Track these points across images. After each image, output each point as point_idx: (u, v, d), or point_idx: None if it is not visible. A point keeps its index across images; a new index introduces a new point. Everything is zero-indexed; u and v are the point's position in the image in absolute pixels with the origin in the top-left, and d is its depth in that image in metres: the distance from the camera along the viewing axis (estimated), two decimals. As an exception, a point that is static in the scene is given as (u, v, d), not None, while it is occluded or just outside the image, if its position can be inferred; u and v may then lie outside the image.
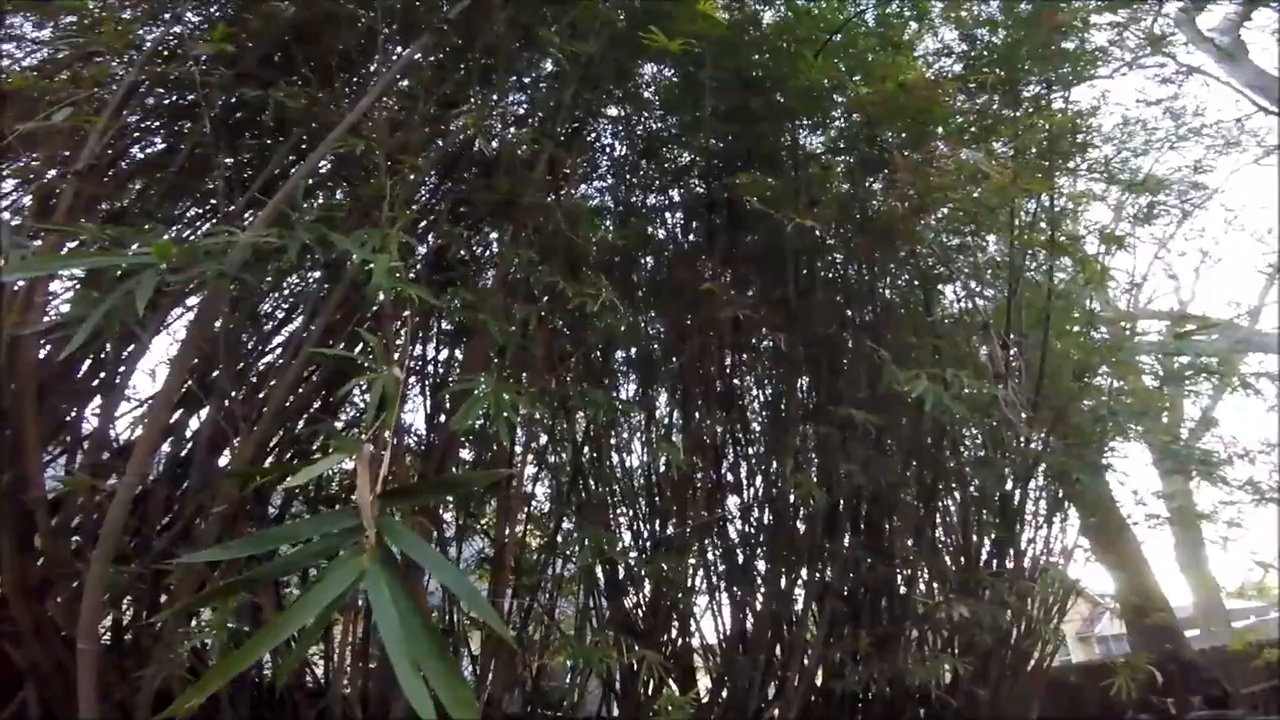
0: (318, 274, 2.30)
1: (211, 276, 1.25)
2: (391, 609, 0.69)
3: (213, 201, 1.93)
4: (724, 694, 2.88)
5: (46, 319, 1.65)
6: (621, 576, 2.79)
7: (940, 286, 3.05)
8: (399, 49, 2.00)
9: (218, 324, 1.62)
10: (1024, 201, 3.21)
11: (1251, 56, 6.65)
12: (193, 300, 2.10)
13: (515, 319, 1.79)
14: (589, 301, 1.74)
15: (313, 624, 0.70)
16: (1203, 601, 7.98)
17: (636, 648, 2.43)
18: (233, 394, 1.79)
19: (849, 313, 2.82)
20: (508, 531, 2.28)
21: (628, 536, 2.95)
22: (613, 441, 2.79)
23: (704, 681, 3.03)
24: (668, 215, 2.97)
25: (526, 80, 2.39)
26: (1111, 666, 3.92)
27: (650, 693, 2.54)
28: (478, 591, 0.86)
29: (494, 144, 1.89)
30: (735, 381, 2.80)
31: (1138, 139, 4.66)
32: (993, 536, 3.03)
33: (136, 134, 2.21)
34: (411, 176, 1.56)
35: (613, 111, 2.89)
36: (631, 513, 2.89)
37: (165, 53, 2.12)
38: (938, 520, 3.00)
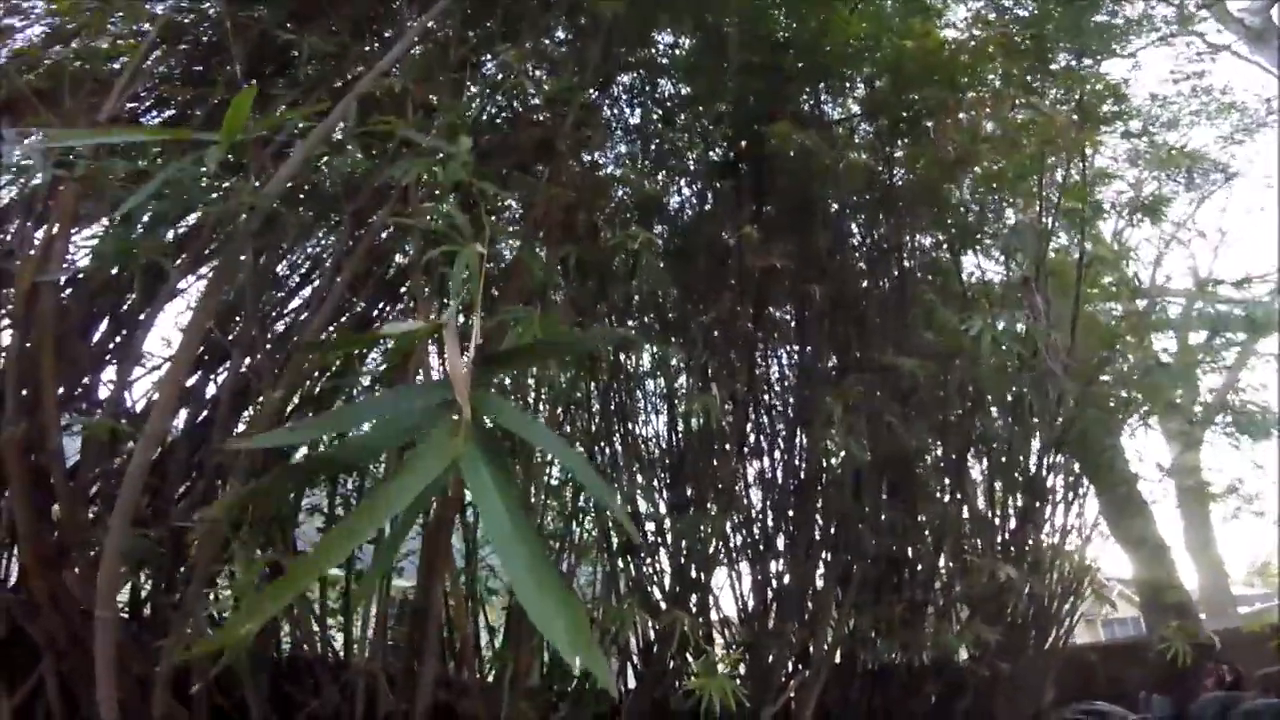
0: (333, 239, 2.24)
1: (245, 208, 1.20)
2: (498, 502, 0.55)
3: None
4: (742, 667, 2.89)
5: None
6: (639, 545, 2.78)
7: (968, 251, 3.01)
8: (419, 16, 1.92)
9: (240, 274, 1.57)
10: (1051, 171, 3.17)
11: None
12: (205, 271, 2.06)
13: (550, 262, 1.74)
14: (628, 241, 1.69)
15: (400, 523, 0.60)
16: (1209, 585, 8.03)
17: (656, 619, 2.43)
18: (255, 350, 1.75)
19: (877, 273, 2.78)
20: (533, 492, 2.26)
21: (644, 505, 2.95)
22: (636, 398, 2.76)
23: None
24: (689, 179, 2.91)
25: (546, 43, 2.31)
26: (1128, 647, 3.93)
27: (673, 662, 2.53)
28: (602, 481, 0.74)
29: (527, 90, 1.82)
30: (761, 339, 2.77)
31: (1165, 115, 4.60)
32: (1017, 508, 3.02)
33: (154, 99, 2.13)
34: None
35: (632, 78, 2.82)
36: (652, 478, 2.88)
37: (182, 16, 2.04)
38: (960, 491, 2.98)
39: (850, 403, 2.20)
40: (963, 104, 2.46)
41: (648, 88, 2.76)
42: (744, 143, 2.66)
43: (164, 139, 1.06)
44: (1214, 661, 3.50)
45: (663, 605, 2.67)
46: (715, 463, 2.74)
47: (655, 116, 2.77)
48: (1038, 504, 3.05)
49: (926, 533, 2.94)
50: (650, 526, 2.91)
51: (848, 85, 2.83)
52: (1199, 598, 8.02)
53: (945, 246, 2.87)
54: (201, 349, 1.87)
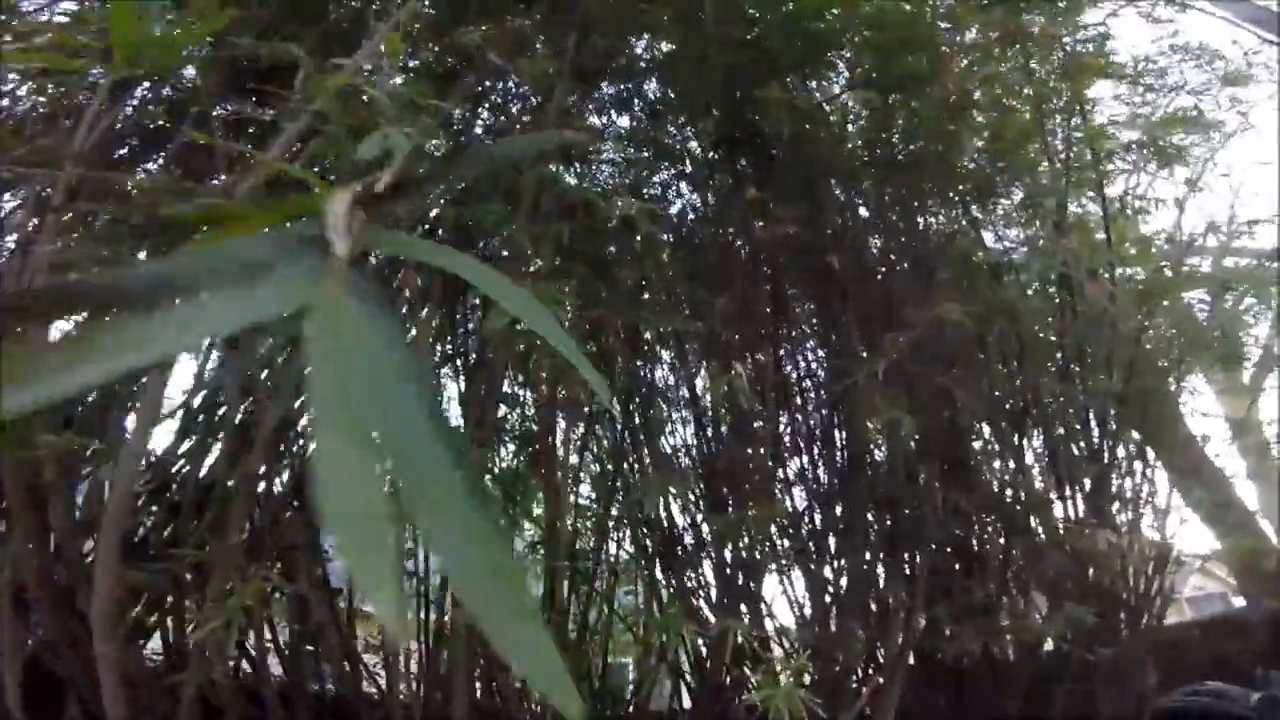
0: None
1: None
2: (346, 366, 0.32)
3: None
4: (807, 676, 2.55)
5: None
6: (680, 556, 2.52)
7: (987, 210, 2.79)
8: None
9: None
10: (1053, 132, 2.98)
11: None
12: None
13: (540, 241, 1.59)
14: (624, 214, 1.53)
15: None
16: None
17: (704, 630, 2.17)
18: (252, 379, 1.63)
19: (896, 242, 2.56)
20: (558, 509, 2.06)
21: (681, 518, 2.70)
22: (660, 409, 2.56)
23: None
24: (687, 179, 2.78)
25: (521, 27, 2.22)
26: (1232, 621, 3.42)
27: (729, 676, 2.24)
28: (544, 311, 0.44)
29: (501, 72, 1.73)
30: (782, 323, 2.55)
31: (1152, 70, 4.35)
32: (1084, 480, 2.68)
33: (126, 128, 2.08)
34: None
35: (616, 86, 2.74)
36: (686, 488, 2.64)
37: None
38: (1019, 465, 2.66)
39: (889, 370, 1.96)
40: (952, 56, 2.31)
41: (631, 91, 2.67)
42: (737, 133, 2.53)
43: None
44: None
45: (711, 618, 2.40)
46: (750, 461, 2.50)
47: (643, 117, 2.66)
48: (1105, 474, 2.71)
49: (989, 513, 2.62)
50: (689, 539, 2.67)
51: (831, 66, 2.71)
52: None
53: (962, 209, 2.66)
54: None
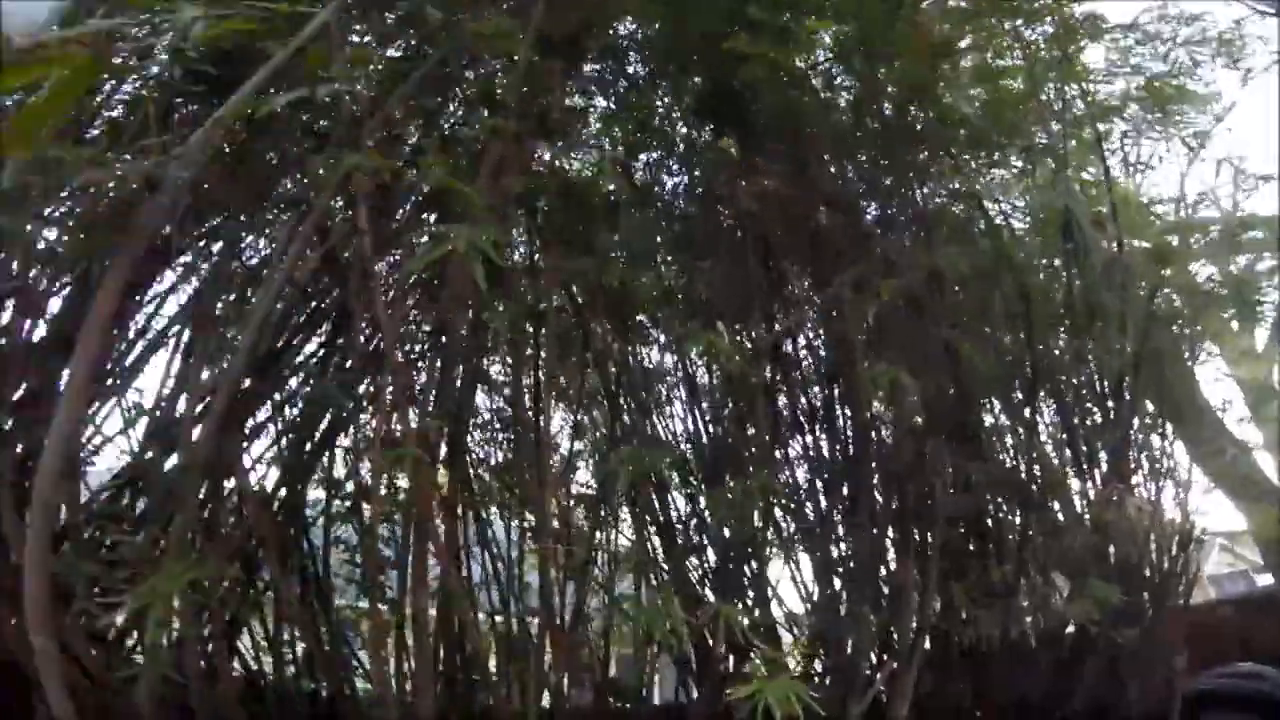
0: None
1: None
2: None
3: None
4: (817, 663, 2.39)
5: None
6: (679, 541, 2.37)
7: (983, 163, 2.63)
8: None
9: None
10: (1044, 105, 2.82)
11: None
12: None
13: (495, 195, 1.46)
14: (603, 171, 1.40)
15: None
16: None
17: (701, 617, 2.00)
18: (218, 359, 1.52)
19: (892, 201, 2.40)
20: (544, 488, 1.92)
21: (683, 505, 2.55)
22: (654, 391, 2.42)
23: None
24: (674, 156, 2.65)
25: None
26: (1265, 600, 3.20)
27: (732, 664, 2.08)
28: None
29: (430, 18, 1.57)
30: (775, 288, 2.40)
31: (1143, 46, 4.18)
32: (1100, 452, 2.50)
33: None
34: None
35: (599, 67, 2.62)
36: (686, 474, 2.48)
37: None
38: (1031, 435, 2.47)
39: (895, 335, 1.80)
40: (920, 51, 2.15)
41: (613, 70, 2.54)
42: (721, 103, 2.40)
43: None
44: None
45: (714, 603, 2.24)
46: (748, 437, 2.34)
47: (626, 95, 2.53)
48: (1121, 445, 2.53)
49: (1003, 487, 2.44)
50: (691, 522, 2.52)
51: (817, 40, 2.57)
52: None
53: (959, 176, 2.49)
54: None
